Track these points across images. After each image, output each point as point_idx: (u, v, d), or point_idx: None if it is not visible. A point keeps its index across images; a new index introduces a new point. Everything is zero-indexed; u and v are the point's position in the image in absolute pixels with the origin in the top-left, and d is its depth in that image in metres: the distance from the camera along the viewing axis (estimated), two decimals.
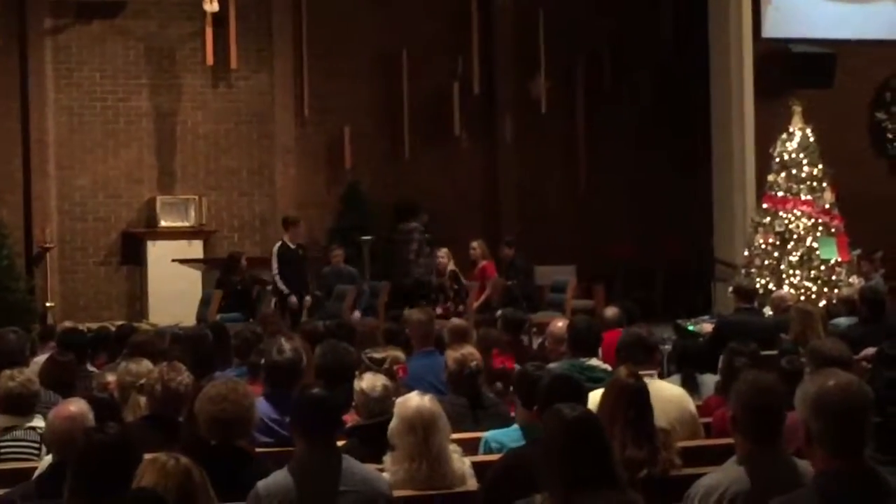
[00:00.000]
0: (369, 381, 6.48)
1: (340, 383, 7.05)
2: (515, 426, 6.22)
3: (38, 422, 6.77)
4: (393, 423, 5.64)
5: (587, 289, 17.53)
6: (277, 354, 7.11)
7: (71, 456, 4.70)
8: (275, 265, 15.82)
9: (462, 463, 5.70)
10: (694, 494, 4.49)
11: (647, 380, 6.73)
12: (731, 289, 13.91)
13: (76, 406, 5.61)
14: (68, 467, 4.63)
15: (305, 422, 5.25)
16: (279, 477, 5.11)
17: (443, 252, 16.19)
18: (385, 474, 5.50)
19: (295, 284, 15.85)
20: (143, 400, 6.63)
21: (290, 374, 7.04)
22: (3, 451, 6.70)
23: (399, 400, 5.81)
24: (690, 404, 7.02)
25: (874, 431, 4.05)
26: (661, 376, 7.84)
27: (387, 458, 5.63)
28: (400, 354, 8.09)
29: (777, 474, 4.41)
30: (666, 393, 6.84)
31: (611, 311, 10.30)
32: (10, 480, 5.75)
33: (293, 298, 15.71)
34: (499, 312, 14.49)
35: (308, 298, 16.03)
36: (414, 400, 5.66)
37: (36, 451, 6.64)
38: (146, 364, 7.16)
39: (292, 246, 16.06)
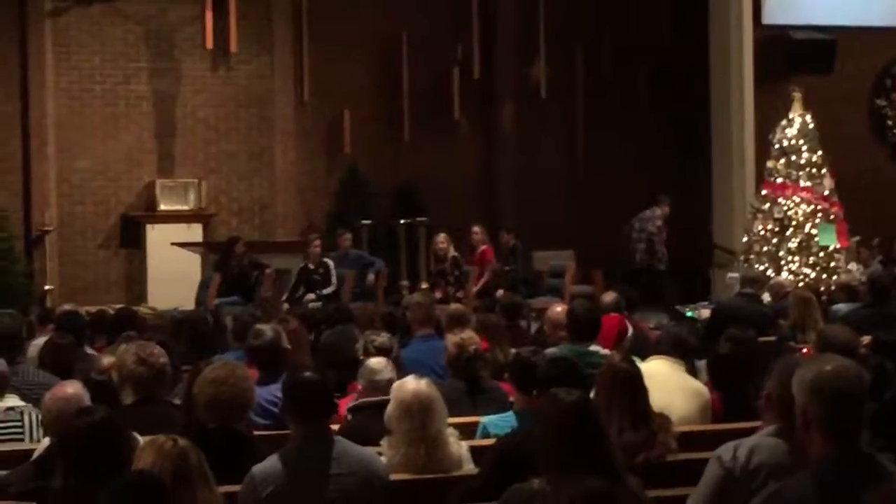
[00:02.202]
0: (377, 362, 6.58)
1: (341, 368, 7.11)
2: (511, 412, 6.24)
3: (14, 401, 6.76)
4: (390, 408, 5.64)
5: (586, 274, 17.52)
6: (254, 339, 7.33)
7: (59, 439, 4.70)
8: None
9: (459, 447, 5.70)
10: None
11: (678, 371, 6.82)
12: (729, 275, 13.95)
13: (72, 388, 5.61)
14: (58, 450, 4.63)
15: (297, 405, 5.24)
16: (273, 461, 5.11)
17: (442, 237, 16.09)
18: (382, 458, 5.51)
19: None
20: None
21: (271, 354, 7.20)
22: None
23: (396, 384, 5.81)
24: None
25: (871, 417, 4.05)
26: None
27: (384, 442, 5.64)
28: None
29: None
30: (693, 384, 6.90)
31: (609, 297, 10.30)
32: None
33: None
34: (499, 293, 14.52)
35: None
36: (411, 384, 5.66)
37: (19, 432, 6.62)
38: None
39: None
